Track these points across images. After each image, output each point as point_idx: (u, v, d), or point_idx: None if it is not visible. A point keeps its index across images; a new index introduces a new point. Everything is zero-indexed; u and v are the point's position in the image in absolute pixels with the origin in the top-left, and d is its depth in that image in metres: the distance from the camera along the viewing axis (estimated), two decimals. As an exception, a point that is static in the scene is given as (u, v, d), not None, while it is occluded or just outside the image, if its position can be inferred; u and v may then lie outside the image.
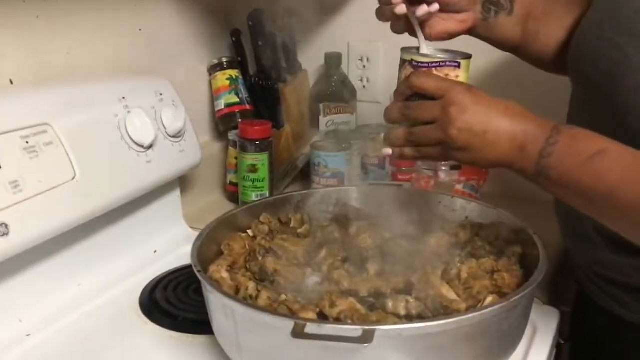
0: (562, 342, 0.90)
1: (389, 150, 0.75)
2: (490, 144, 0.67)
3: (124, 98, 0.93)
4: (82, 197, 0.83)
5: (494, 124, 0.67)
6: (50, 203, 0.79)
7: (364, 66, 1.40)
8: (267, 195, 1.15)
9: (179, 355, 0.79)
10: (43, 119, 0.82)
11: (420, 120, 0.71)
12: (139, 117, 0.92)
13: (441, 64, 0.74)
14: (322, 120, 1.36)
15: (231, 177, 1.24)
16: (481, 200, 0.98)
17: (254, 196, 1.15)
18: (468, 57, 0.75)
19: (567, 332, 0.91)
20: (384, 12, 0.77)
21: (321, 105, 1.36)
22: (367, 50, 1.39)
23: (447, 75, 0.73)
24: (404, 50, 0.77)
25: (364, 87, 1.40)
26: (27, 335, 0.81)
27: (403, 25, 0.78)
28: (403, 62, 0.76)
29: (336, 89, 1.36)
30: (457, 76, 0.74)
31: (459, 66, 0.74)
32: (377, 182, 1.17)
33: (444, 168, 1.19)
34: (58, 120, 0.83)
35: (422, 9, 0.75)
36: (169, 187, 1.06)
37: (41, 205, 0.78)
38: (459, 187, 1.19)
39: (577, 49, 0.78)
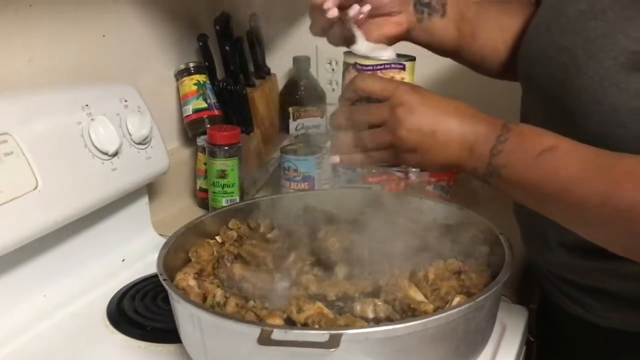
0: (532, 339, 0.90)
1: (336, 158, 0.72)
2: (440, 144, 0.66)
3: (87, 105, 0.91)
4: (45, 207, 0.82)
5: (443, 124, 0.66)
6: (12, 214, 0.78)
7: (333, 69, 1.40)
8: (238, 200, 1.14)
9: (148, 365, 0.78)
10: (3, 129, 0.80)
11: (368, 124, 0.68)
12: (103, 124, 0.91)
13: (386, 66, 0.72)
14: (292, 124, 1.36)
15: (201, 183, 1.23)
16: (452, 201, 0.99)
17: (224, 202, 1.14)
18: (412, 59, 0.74)
19: (535, 331, 0.92)
20: (317, 21, 0.74)
21: (290, 109, 1.36)
22: (335, 54, 1.36)
23: (392, 77, 0.72)
24: (347, 53, 0.75)
25: (333, 90, 1.40)
26: (-8, 348, 0.79)
27: (338, 35, 0.75)
28: (347, 65, 0.74)
29: (305, 93, 1.36)
30: (402, 78, 0.72)
31: (404, 68, 0.73)
32: (347, 185, 1.17)
33: (414, 170, 1.20)
34: (19, 129, 0.81)
35: (354, 9, 0.72)
36: (137, 194, 1.04)
37: (3, 217, 0.77)
38: (430, 188, 1.19)
39: (526, 54, 0.78)
